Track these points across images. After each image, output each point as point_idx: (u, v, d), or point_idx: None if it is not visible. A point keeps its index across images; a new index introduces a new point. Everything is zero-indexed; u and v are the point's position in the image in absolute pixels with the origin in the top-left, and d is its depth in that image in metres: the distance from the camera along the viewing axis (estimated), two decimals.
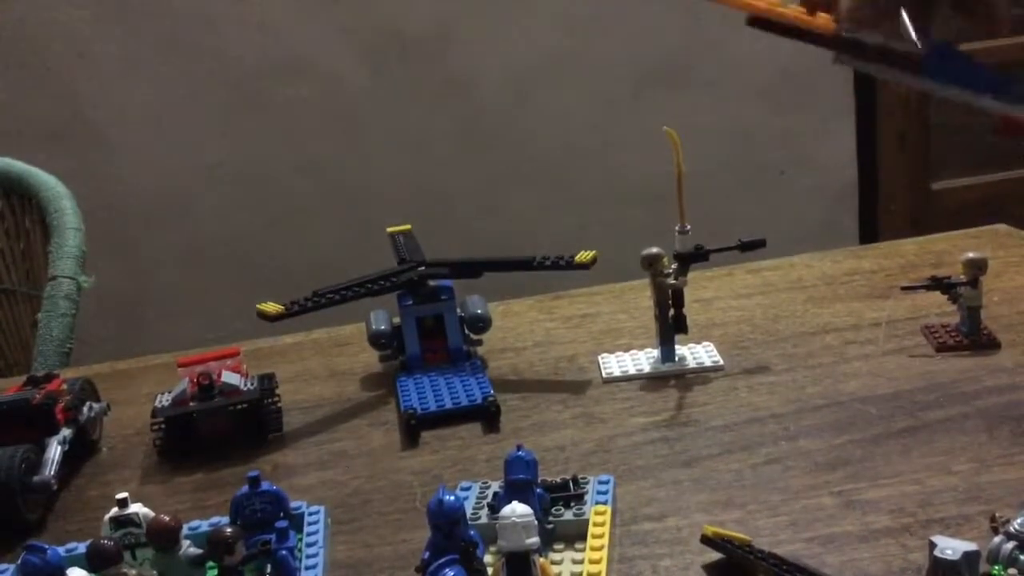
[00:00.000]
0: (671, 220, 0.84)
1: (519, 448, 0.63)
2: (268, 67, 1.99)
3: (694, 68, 2.09)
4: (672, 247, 0.84)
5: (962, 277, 0.84)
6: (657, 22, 2.06)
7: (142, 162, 2.01)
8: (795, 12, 0.55)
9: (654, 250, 0.84)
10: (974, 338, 0.83)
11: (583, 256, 0.87)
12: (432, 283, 0.89)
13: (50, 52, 1.94)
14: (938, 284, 0.85)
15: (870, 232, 2.22)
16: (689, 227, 0.83)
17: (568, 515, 0.64)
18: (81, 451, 0.83)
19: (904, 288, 0.89)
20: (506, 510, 0.55)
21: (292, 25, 1.98)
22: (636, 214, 1.89)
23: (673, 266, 0.84)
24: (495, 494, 0.66)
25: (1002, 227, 1.09)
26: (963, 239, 1.07)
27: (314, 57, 1.99)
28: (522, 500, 0.56)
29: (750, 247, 0.84)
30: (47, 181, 1.45)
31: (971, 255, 0.83)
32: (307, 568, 0.61)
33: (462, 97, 2.04)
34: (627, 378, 0.86)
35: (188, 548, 0.59)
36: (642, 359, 0.88)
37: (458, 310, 0.90)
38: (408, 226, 1.00)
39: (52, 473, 0.75)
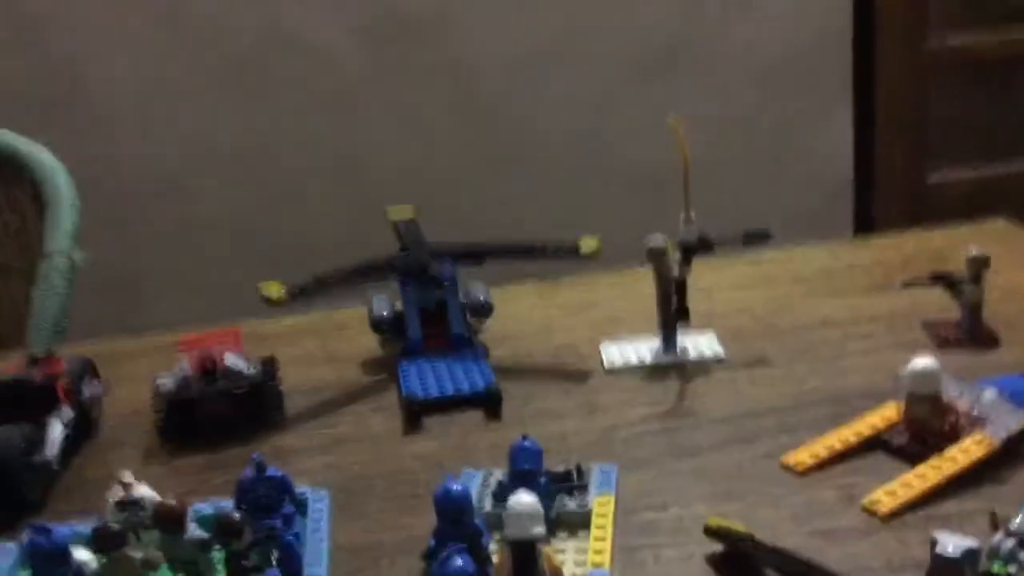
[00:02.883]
0: (672, 206, 0.84)
1: (525, 438, 0.64)
2: (266, 44, 1.97)
3: (693, 54, 2.08)
4: (673, 233, 0.84)
5: (964, 273, 0.84)
6: (658, 7, 2.05)
7: (138, 138, 2.00)
8: None
9: (658, 240, 0.84)
10: (974, 335, 0.84)
11: (587, 245, 0.87)
12: (434, 269, 0.89)
13: (45, 25, 1.92)
14: (939, 280, 0.85)
15: (866, 223, 2.23)
16: (694, 216, 0.83)
17: (571, 505, 0.65)
18: (81, 431, 0.83)
19: (905, 284, 0.90)
20: (512, 499, 0.55)
21: (290, 1, 1.97)
22: (637, 200, 1.89)
23: (677, 256, 0.85)
24: (499, 483, 0.66)
25: (1002, 222, 1.10)
26: (963, 234, 1.07)
27: (313, 36, 1.98)
28: (528, 489, 0.57)
29: (755, 240, 0.84)
30: (42, 156, 1.44)
31: (975, 252, 0.83)
32: (312, 553, 0.61)
33: (462, 79, 2.03)
34: (628, 368, 0.87)
35: (194, 531, 0.59)
36: (644, 349, 0.88)
37: (460, 296, 0.90)
38: (409, 209, 1.00)
39: (53, 453, 0.75)
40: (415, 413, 0.81)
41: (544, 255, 0.88)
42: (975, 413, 0.69)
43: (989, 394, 0.70)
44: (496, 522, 0.59)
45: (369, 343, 0.95)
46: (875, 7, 2.13)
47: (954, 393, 0.71)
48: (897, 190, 2.24)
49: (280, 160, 2.03)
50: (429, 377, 0.85)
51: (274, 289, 0.83)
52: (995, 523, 0.60)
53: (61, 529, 0.60)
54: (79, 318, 1.35)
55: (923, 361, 0.70)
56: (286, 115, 2.01)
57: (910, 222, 1.56)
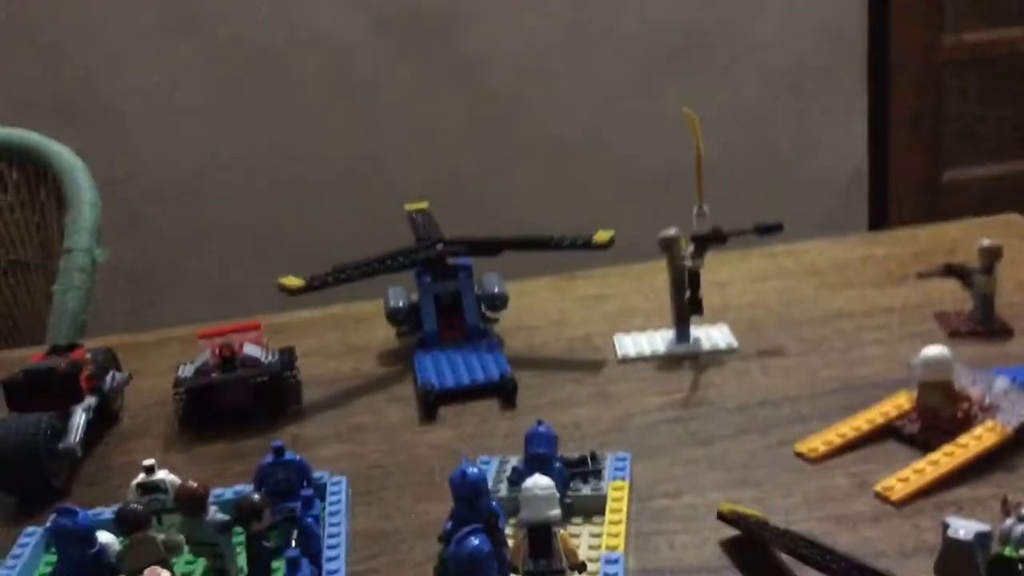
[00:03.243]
0: (685, 202, 0.85)
1: (540, 423, 0.65)
2: (281, 43, 1.99)
3: (708, 51, 2.08)
4: (686, 229, 0.85)
5: (976, 265, 0.84)
6: (674, 2, 2.05)
7: (155, 136, 2.02)
8: None
9: (671, 231, 0.85)
10: (987, 326, 0.84)
11: (601, 236, 0.88)
12: (450, 261, 0.90)
13: (65, 26, 1.94)
14: (952, 271, 0.85)
15: (880, 219, 2.22)
16: (707, 209, 0.84)
17: (586, 490, 0.65)
18: (103, 420, 0.84)
19: (919, 275, 0.90)
20: (528, 482, 0.56)
21: (305, 3, 1.98)
22: (651, 195, 1.90)
23: (690, 248, 0.85)
24: (514, 469, 0.67)
25: (1015, 216, 1.10)
26: (976, 227, 1.08)
27: (327, 34, 1.99)
28: (543, 474, 0.57)
29: (767, 231, 0.84)
30: (63, 154, 1.46)
31: (986, 242, 0.83)
32: (330, 536, 0.62)
33: (475, 74, 2.04)
34: (642, 358, 0.87)
35: (215, 514, 0.60)
36: (657, 340, 0.89)
37: (475, 288, 0.91)
38: (425, 203, 1.01)
39: (77, 440, 0.77)
40: (431, 403, 0.82)
41: (558, 246, 0.88)
42: (988, 401, 0.70)
43: (1002, 382, 0.70)
44: (512, 507, 0.60)
45: (386, 335, 0.96)
46: (891, 5, 2.13)
47: (966, 381, 0.72)
48: (912, 187, 2.23)
49: (295, 158, 2.05)
50: (444, 367, 0.86)
51: (291, 280, 0.84)
52: (1007, 509, 0.61)
53: (87, 512, 0.61)
54: (99, 315, 1.37)
55: (935, 349, 0.71)
56: (301, 114, 2.03)
57: (925, 219, 1.56)
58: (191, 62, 1.99)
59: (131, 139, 2.02)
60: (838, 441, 0.70)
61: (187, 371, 0.84)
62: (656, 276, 0.96)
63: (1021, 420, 0.68)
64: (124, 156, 2.00)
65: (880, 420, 0.72)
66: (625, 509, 0.64)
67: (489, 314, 0.93)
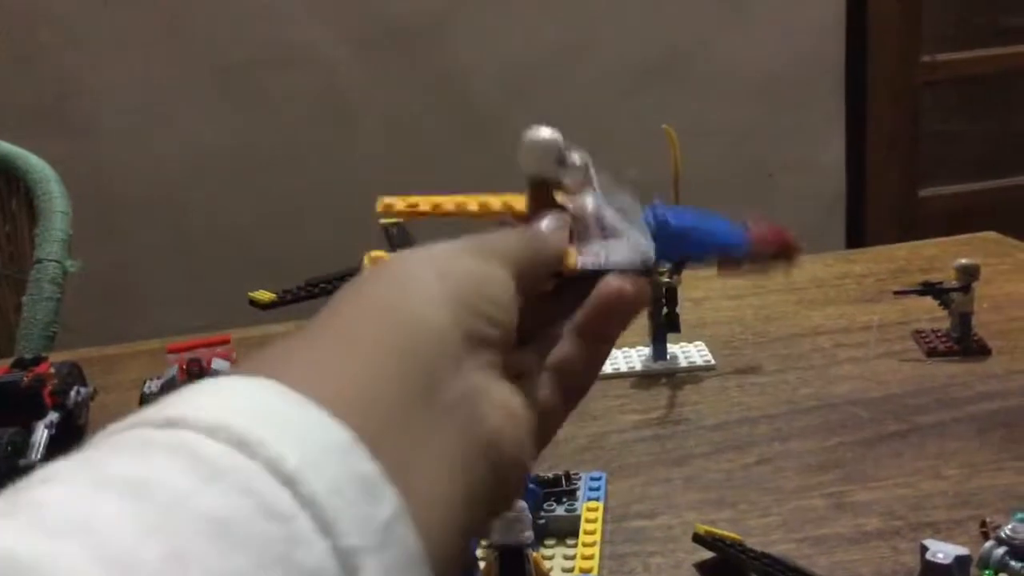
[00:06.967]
0: None
1: None
2: (260, 54, 1.98)
3: (688, 69, 2.09)
4: None
5: (954, 283, 0.84)
6: (653, 19, 2.06)
7: (131, 147, 2.00)
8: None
9: None
10: (964, 344, 0.84)
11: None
12: None
13: (39, 33, 1.92)
14: (930, 289, 0.85)
15: (857, 237, 2.23)
16: None
17: (560, 511, 0.64)
18: (67, 436, 0.82)
19: (897, 293, 0.90)
20: None
21: (286, 11, 1.97)
22: None
23: (667, 264, 0.84)
24: None
25: (992, 234, 1.10)
26: (954, 245, 1.08)
27: (307, 45, 1.98)
28: None
29: None
30: (35, 164, 1.44)
31: (964, 261, 0.83)
32: None
33: (457, 89, 2.04)
34: (618, 375, 0.86)
35: None
36: (633, 357, 0.88)
37: None
38: (400, 218, 0.99)
39: (38, 457, 0.75)
40: None
41: None
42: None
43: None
44: None
45: None
46: (868, 24, 2.14)
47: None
48: (889, 204, 2.25)
49: (275, 170, 2.03)
50: None
51: (262, 293, 0.82)
52: (985, 531, 0.60)
53: None
54: (73, 326, 1.35)
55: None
56: (282, 126, 2.01)
57: (902, 236, 1.57)
58: (171, 73, 1.97)
59: (106, 149, 1.99)
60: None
61: (153, 387, 0.82)
62: None
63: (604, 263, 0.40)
64: (99, 166, 1.98)
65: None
66: (599, 530, 0.62)
67: None
